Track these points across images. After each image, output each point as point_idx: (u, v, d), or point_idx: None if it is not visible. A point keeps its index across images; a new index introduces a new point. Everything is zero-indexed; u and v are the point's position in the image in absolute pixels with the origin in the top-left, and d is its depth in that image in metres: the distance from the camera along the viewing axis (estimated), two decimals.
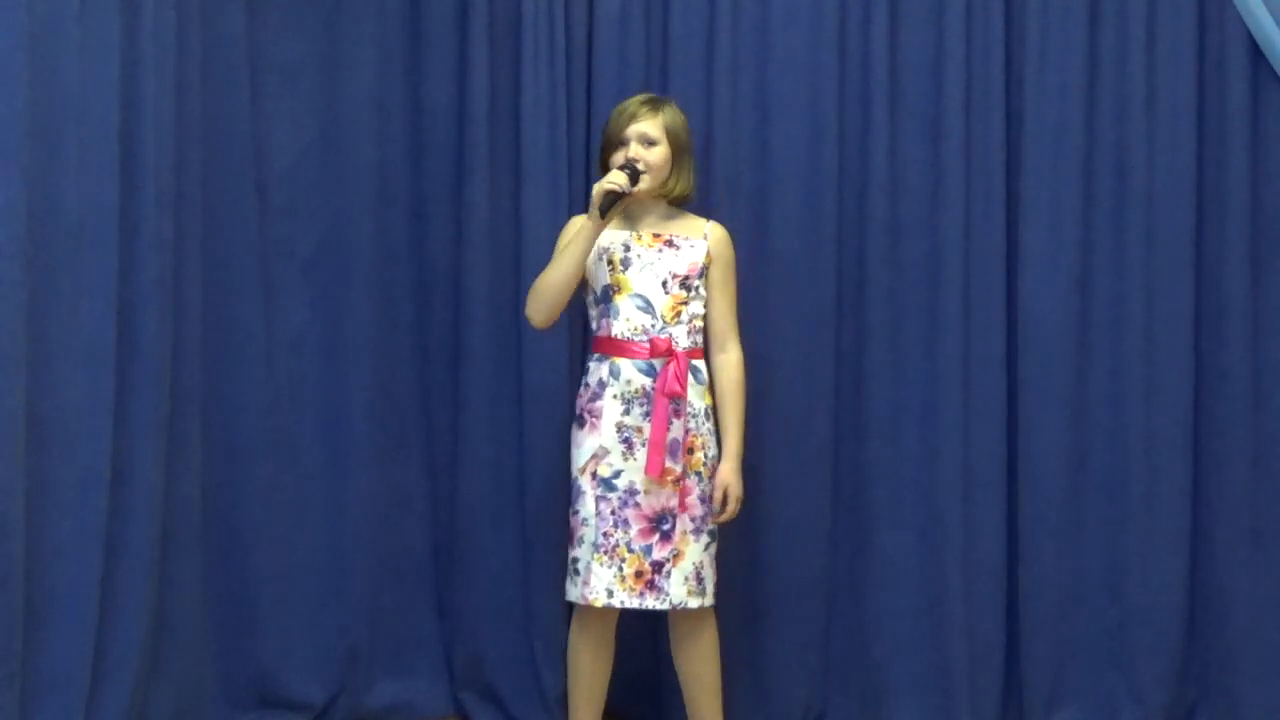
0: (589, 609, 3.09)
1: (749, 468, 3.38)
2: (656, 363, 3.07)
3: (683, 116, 3.19)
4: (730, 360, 3.15)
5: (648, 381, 3.06)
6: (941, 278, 3.43)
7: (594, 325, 3.17)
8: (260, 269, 3.38)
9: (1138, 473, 3.42)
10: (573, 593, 3.09)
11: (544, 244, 3.43)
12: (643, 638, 3.38)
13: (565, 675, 3.44)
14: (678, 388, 3.04)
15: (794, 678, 3.47)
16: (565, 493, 3.44)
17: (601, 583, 3.03)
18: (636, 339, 3.08)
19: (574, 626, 3.16)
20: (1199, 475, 3.44)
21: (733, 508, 3.13)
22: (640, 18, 3.51)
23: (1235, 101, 3.38)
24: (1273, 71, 3.36)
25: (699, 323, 3.13)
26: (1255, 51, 3.37)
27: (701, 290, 3.14)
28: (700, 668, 3.15)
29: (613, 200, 3.01)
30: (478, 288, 3.49)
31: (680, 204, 3.21)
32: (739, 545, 3.41)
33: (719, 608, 3.22)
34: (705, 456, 3.12)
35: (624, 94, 3.48)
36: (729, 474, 3.12)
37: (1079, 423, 3.45)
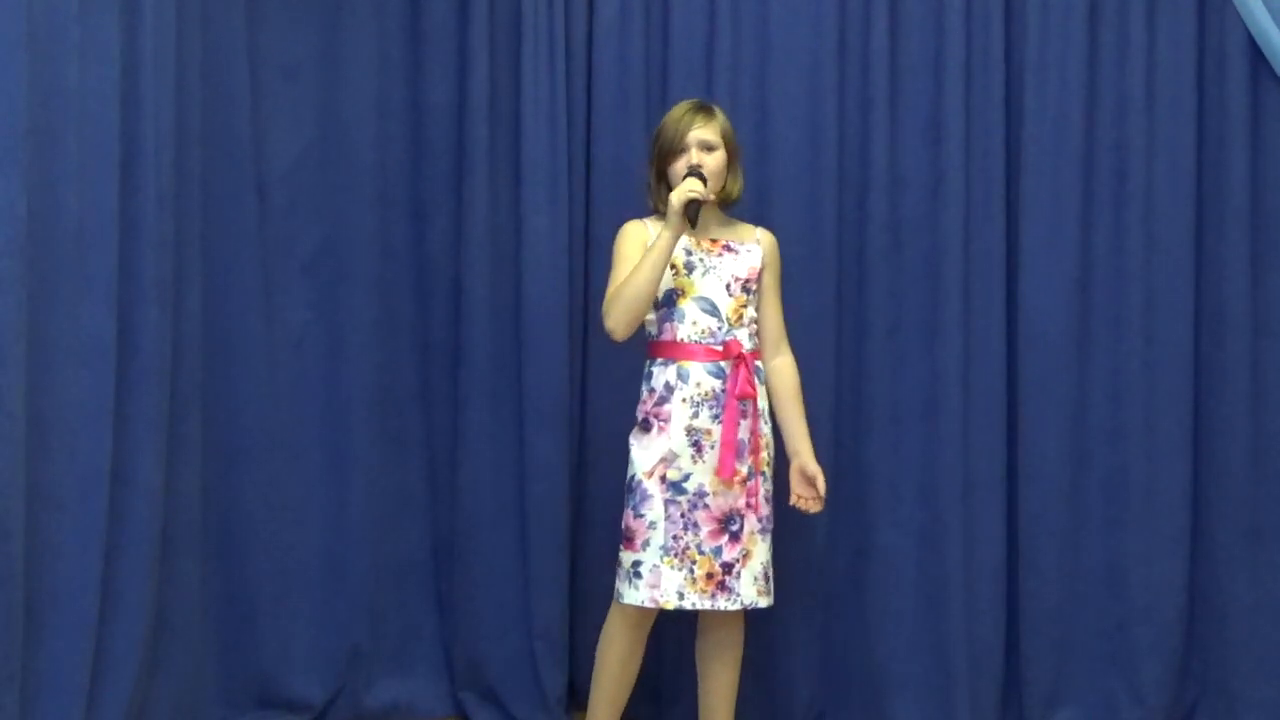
0: (634, 610, 3.05)
1: None
2: (724, 365, 3.06)
3: (728, 120, 3.17)
4: (789, 363, 3.19)
5: (716, 384, 3.05)
6: (942, 277, 3.43)
7: (653, 330, 3.12)
8: (260, 269, 3.38)
9: (1138, 473, 3.42)
10: (634, 596, 3.02)
11: (544, 244, 3.43)
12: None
13: (565, 675, 3.46)
14: (750, 389, 3.04)
15: (794, 678, 3.47)
16: (564, 492, 3.45)
17: (673, 585, 3.01)
18: (705, 342, 3.07)
19: (615, 625, 3.10)
20: (1199, 475, 3.44)
21: (823, 490, 3.14)
22: (640, 18, 3.51)
23: (1235, 101, 3.38)
24: (1273, 71, 3.36)
25: (754, 325, 3.14)
26: (1255, 51, 3.37)
27: (754, 294, 3.14)
28: (728, 672, 3.15)
29: (697, 207, 3.00)
30: (478, 288, 3.49)
31: (731, 208, 3.20)
32: None
33: None
34: (769, 455, 3.12)
35: (624, 94, 3.49)
36: (814, 462, 3.13)
37: (1079, 423, 3.45)
